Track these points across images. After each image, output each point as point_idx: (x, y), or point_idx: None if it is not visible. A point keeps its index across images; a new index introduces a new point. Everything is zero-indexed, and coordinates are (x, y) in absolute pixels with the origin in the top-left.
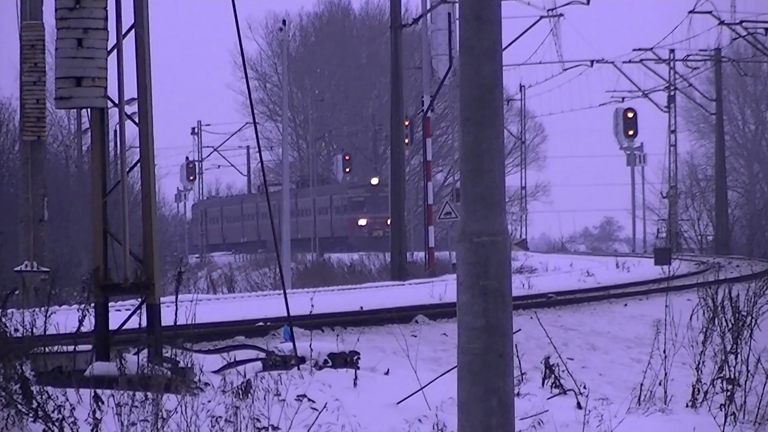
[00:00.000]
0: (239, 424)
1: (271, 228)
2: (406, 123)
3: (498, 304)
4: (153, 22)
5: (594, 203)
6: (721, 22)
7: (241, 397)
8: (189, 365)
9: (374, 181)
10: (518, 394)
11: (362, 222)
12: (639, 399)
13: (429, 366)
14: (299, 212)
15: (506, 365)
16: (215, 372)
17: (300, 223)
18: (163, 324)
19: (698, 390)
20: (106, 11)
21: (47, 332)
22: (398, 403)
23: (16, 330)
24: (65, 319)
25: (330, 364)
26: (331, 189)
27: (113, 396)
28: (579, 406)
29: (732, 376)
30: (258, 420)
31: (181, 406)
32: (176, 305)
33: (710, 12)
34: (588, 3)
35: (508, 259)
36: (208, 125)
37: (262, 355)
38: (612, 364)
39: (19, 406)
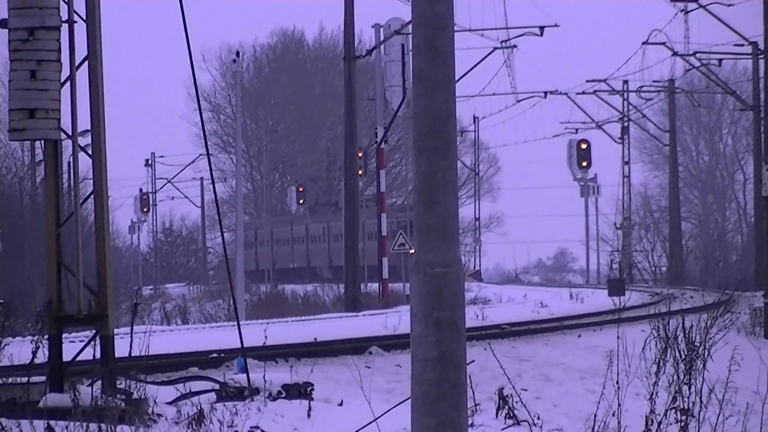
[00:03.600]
0: None
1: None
2: (360, 154)
3: (452, 335)
4: (106, 54)
5: (548, 234)
6: (675, 53)
7: (194, 428)
8: (143, 396)
9: None
10: (472, 425)
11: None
12: (593, 430)
13: (383, 397)
14: (333, 237)
15: (460, 396)
16: (169, 403)
17: (334, 250)
18: (117, 355)
19: (652, 421)
20: (60, 43)
21: (1, 364)
22: None
23: None
24: (19, 350)
25: (284, 395)
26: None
27: (67, 427)
28: None
29: (685, 407)
30: None
31: None
32: (131, 337)
33: (663, 43)
34: (541, 34)
35: (461, 290)
36: (162, 157)
37: (216, 386)
38: (566, 394)
39: None
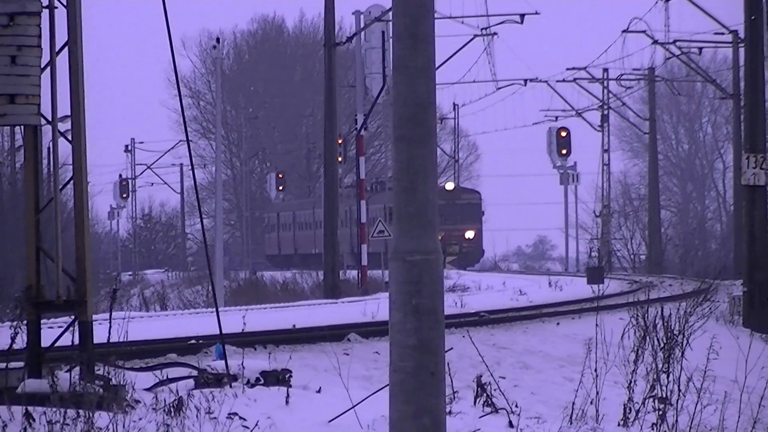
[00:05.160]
0: None
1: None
2: (340, 141)
3: (430, 323)
4: (87, 40)
5: (527, 222)
6: (655, 42)
7: (172, 415)
8: (121, 383)
9: (449, 186)
10: (450, 413)
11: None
12: (571, 418)
13: (361, 384)
14: (355, 222)
15: (438, 384)
16: (147, 390)
17: (356, 236)
18: (95, 341)
19: (630, 409)
20: (40, 28)
21: None
22: (330, 421)
23: None
24: None
25: (262, 382)
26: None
27: (45, 413)
28: (511, 424)
29: (663, 395)
30: None
31: (112, 424)
32: (110, 323)
33: (644, 31)
34: (522, 22)
35: (440, 277)
36: (142, 143)
37: (195, 372)
38: (544, 382)
39: None
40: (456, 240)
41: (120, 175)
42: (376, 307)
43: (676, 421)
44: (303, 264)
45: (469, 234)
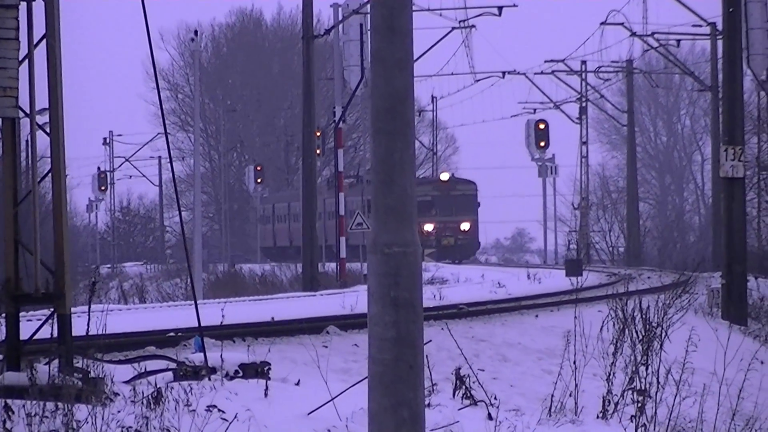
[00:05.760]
0: None
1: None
2: (318, 134)
3: (409, 315)
4: (65, 32)
5: (506, 214)
6: (633, 34)
7: (151, 407)
8: (100, 375)
9: (444, 176)
10: (429, 405)
11: (429, 227)
12: (550, 410)
13: (340, 377)
14: (351, 213)
15: (417, 376)
16: (126, 382)
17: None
18: (74, 334)
19: (609, 401)
20: (18, 21)
21: None
22: (309, 413)
23: None
24: None
25: (241, 374)
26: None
27: (24, 406)
28: (490, 417)
29: (642, 388)
30: (168, 430)
31: (91, 417)
32: (89, 315)
33: (622, 23)
34: (500, 14)
35: (419, 269)
36: (120, 135)
37: (173, 365)
38: (523, 375)
39: None
40: (451, 232)
41: (98, 168)
42: (355, 299)
43: (655, 413)
44: (299, 256)
45: (465, 226)
